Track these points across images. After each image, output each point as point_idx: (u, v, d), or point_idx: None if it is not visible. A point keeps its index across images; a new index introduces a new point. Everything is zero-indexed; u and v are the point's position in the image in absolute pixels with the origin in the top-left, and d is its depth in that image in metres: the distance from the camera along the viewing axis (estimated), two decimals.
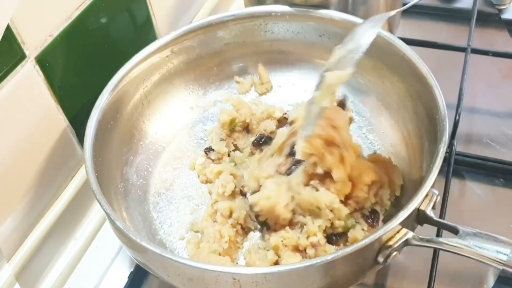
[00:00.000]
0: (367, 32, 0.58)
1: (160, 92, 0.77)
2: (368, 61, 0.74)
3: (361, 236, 0.61)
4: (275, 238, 0.63)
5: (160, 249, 0.52)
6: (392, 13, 0.62)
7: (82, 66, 0.70)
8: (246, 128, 0.77)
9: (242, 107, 0.77)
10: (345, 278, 0.54)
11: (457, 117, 0.76)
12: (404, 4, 0.90)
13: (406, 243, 0.53)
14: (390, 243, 0.53)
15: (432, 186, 0.55)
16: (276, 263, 0.62)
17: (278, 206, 0.62)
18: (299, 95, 0.79)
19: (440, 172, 0.56)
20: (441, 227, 0.60)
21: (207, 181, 0.73)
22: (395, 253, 0.53)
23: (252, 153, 0.75)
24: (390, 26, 0.86)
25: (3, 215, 0.62)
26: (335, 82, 0.56)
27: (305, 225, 0.62)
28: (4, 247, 0.63)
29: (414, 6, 1.00)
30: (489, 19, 0.97)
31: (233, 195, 0.69)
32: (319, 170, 0.61)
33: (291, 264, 0.53)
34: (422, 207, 0.55)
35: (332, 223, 0.62)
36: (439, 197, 0.56)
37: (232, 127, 0.76)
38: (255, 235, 0.67)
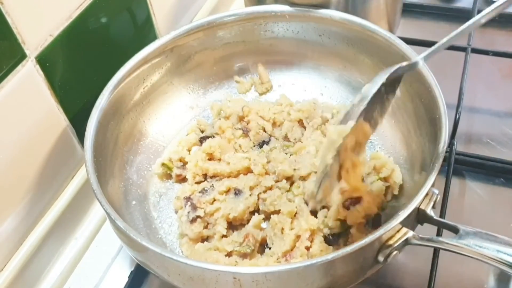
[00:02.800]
0: (372, 85, 0.56)
1: (160, 92, 0.77)
2: (368, 61, 0.75)
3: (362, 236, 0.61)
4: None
5: (160, 249, 0.52)
6: (402, 65, 0.59)
7: (82, 65, 0.70)
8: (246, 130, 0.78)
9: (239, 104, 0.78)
10: (345, 278, 0.54)
11: (457, 117, 0.76)
12: (404, 5, 0.91)
13: (406, 242, 0.53)
14: (390, 242, 0.53)
15: (432, 186, 0.55)
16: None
17: None
18: (299, 95, 0.80)
19: (440, 171, 0.56)
20: (441, 227, 0.60)
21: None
22: (395, 252, 0.53)
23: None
24: (390, 25, 0.85)
25: (4, 215, 0.62)
26: (336, 138, 0.54)
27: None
28: (4, 247, 0.63)
29: (414, 5, 1.01)
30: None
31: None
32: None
33: (292, 264, 0.53)
34: (422, 207, 0.55)
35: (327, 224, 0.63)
36: (439, 197, 0.56)
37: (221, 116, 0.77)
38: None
